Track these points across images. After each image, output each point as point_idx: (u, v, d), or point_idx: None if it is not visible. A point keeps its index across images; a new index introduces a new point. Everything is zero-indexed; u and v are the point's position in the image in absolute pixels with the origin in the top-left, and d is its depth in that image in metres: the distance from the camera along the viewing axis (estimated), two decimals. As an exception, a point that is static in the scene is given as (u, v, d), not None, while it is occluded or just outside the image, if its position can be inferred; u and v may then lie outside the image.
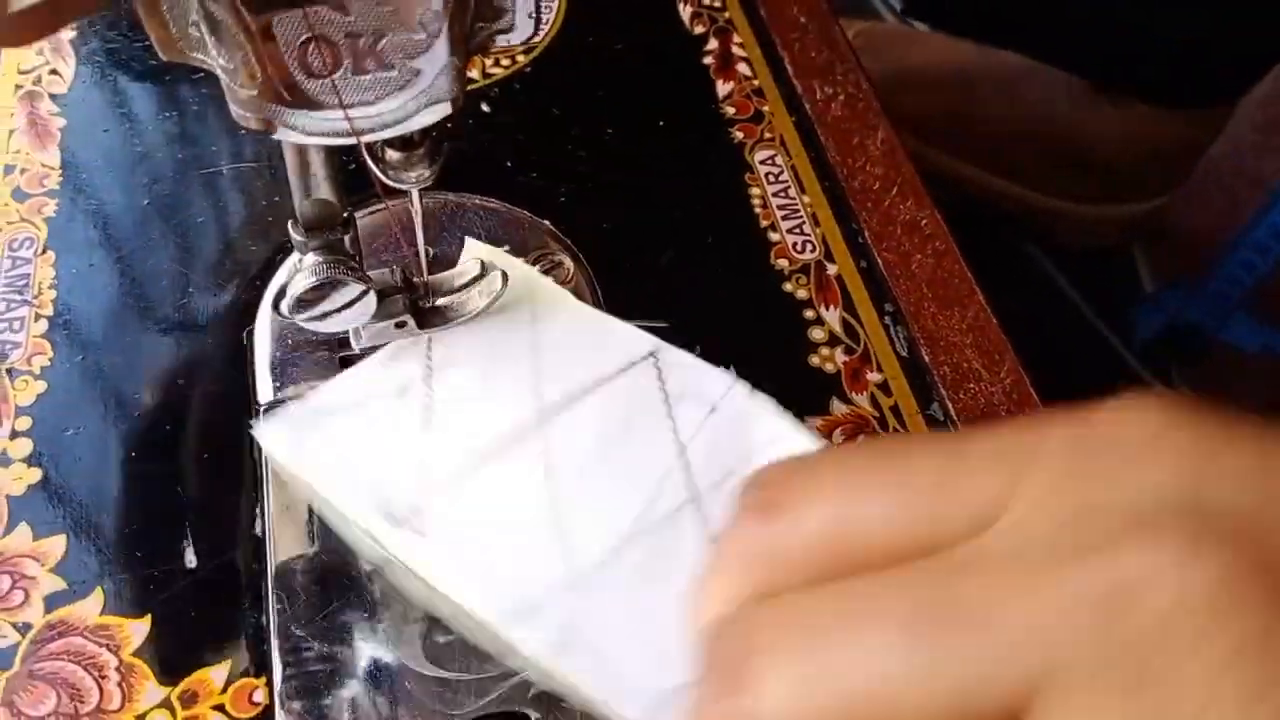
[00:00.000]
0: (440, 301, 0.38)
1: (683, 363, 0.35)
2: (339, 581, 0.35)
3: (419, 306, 0.38)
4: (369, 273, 0.35)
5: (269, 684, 0.33)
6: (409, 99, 0.27)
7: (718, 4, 0.52)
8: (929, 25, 0.86)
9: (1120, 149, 0.83)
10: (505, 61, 0.49)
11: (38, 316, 0.40)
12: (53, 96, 0.48)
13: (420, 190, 0.34)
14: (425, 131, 0.31)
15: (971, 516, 0.22)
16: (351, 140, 0.28)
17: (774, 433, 0.33)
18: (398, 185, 0.33)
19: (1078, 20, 0.77)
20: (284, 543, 0.36)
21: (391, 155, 0.32)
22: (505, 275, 0.37)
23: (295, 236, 0.34)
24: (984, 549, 0.21)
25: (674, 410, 0.34)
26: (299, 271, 0.34)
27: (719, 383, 0.34)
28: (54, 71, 0.48)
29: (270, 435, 0.34)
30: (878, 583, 0.21)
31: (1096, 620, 0.19)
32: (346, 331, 0.38)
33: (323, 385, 0.35)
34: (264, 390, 0.39)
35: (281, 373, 0.39)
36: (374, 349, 0.39)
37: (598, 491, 0.32)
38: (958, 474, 0.22)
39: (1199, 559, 0.19)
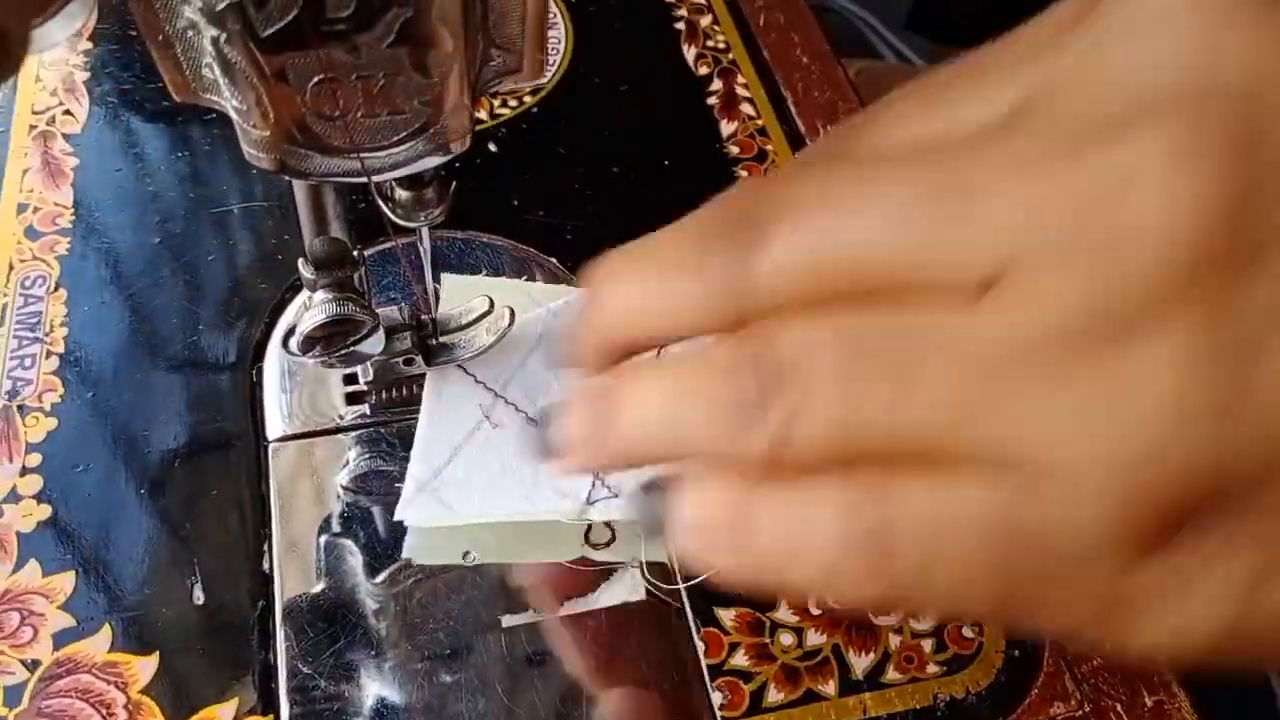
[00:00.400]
0: (447, 338, 0.38)
1: None
2: (346, 619, 0.35)
3: (426, 343, 0.38)
4: (377, 310, 0.36)
5: (276, 721, 0.33)
6: (419, 140, 0.28)
7: (722, 45, 0.53)
8: (930, 39, 0.86)
9: None
10: (513, 102, 0.50)
11: (49, 353, 0.41)
12: (66, 136, 0.48)
13: (429, 228, 0.34)
14: (435, 171, 0.31)
15: (992, 114, 0.22)
16: (362, 180, 0.28)
17: None
18: (407, 224, 0.33)
19: None
20: (291, 580, 0.36)
21: (401, 195, 0.32)
22: (512, 312, 0.37)
23: (305, 274, 0.34)
24: (994, 138, 0.21)
25: None
26: (308, 309, 0.34)
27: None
28: (67, 112, 0.49)
29: (419, 513, 0.36)
30: (889, 164, 0.22)
31: (1079, 213, 0.19)
32: (354, 368, 0.39)
33: (413, 456, 0.37)
34: (273, 427, 0.39)
35: (290, 410, 0.40)
36: (382, 384, 0.39)
37: None
38: (980, 78, 0.23)
39: (1194, 157, 0.19)
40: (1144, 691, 0.34)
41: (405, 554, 0.36)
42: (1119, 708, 0.34)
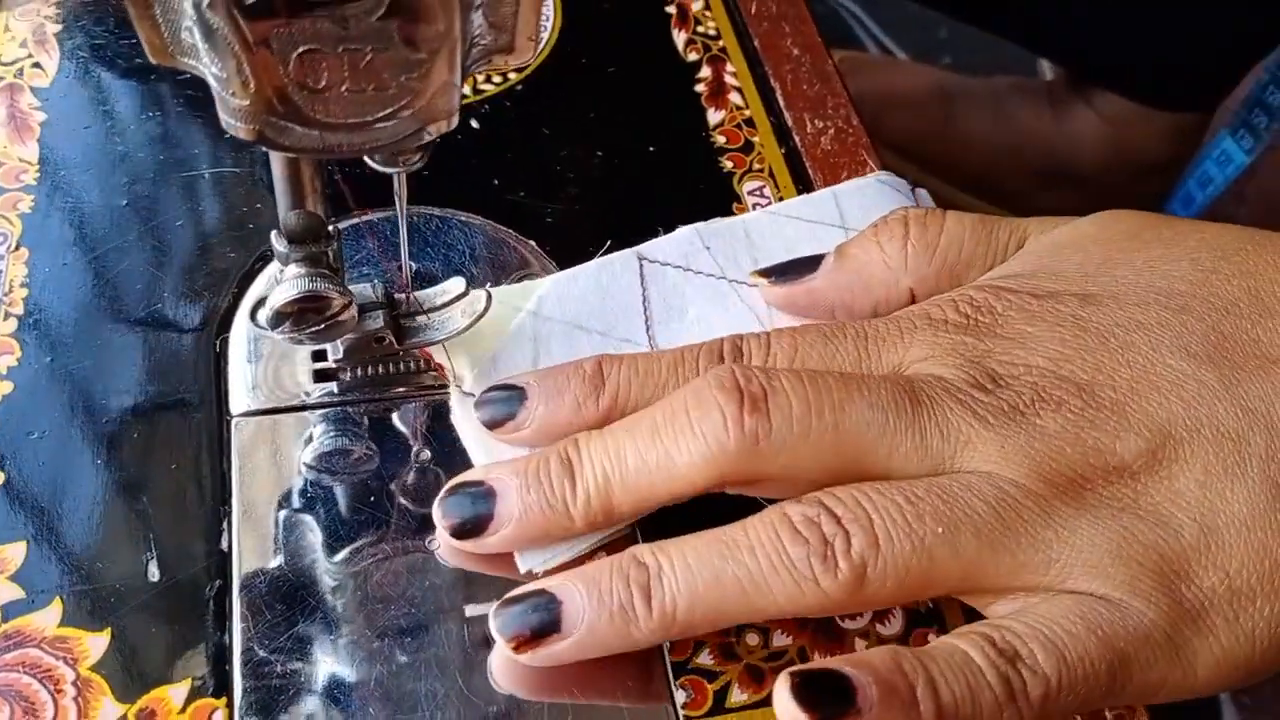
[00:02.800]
0: (421, 319, 0.38)
1: (657, 244, 0.42)
2: (304, 600, 0.34)
3: (399, 323, 0.38)
4: (350, 287, 0.35)
5: (229, 704, 0.32)
6: (403, 118, 0.27)
7: (712, 32, 0.52)
8: (915, 2, 0.86)
9: (1104, 159, 0.84)
10: (497, 79, 0.49)
11: (7, 315, 0.39)
12: (34, 90, 0.47)
13: (406, 176, 0.33)
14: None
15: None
16: (342, 156, 0.28)
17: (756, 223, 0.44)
18: (384, 170, 0.32)
19: (1062, 5, 0.78)
20: (250, 558, 0.35)
21: None
22: (489, 295, 0.37)
23: (277, 248, 0.34)
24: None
25: (694, 265, 0.42)
26: (280, 283, 0.33)
27: (690, 233, 0.43)
28: (37, 65, 0.48)
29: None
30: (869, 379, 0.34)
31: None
32: (324, 345, 0.38)
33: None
34: (237, 401, 0.38)
35: (255, 384, 0.39)
36: (352, 362, 0.39)
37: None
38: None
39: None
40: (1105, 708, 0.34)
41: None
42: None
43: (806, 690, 0.29)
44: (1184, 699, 0.32)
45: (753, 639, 0.34)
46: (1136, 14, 0.76)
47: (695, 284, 0.41)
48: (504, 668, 0.33)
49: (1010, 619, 0.31)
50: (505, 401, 0.35)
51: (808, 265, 0.40)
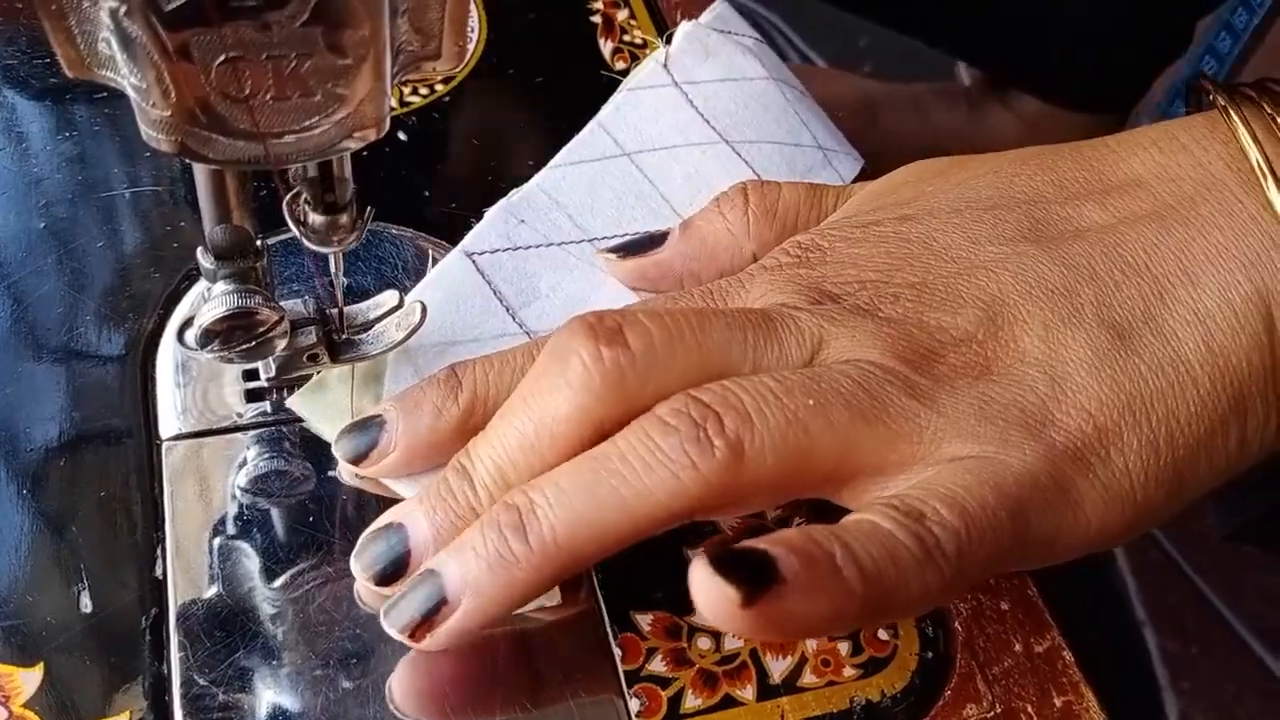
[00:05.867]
0: (354, 334, 0.37)
1: (477, 235, 0.41)
2: (244, 626, 0.33)
3: (332, 338, 0.37)
4: (280, 302, 0.34)
5: (169, 736, 0.31)
6: (330, 126, 0.27)
7: (638, 41, 0.52)
8: (836, 7, 0.86)
9: None
10: (424, 90, 0.49)
11: (-79, 345, 0.38)
12: (-58, 114, 0.45)
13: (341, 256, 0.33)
14: (349, 191, 0.30)
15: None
16: (267, 168, 0.27)
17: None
18: (320, 249, 0.32)
19: (978, 7, 0.79)
20: (185, 586, 0.34)
21: (315, 220, 0.31)
22: (424, 307, 0.36)
23: (204, 264, 0.33)
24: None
25: (519, 242, 0.42)
26: (208, 301, 0.33)
27: (500, 213, 0.42)
28: (-56, 88, 0.46)
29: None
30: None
31: None
32: (255, 363, 0.37)
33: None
34: (166, 425, 0.37)
35: (184, 406, 0.38)
36: (282, 381, 0.38)
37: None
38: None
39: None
40: (1053, 692, 0.35)
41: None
42: (1029, 709, 0.34)
43: (727, 567, 0.26)
44: (1087, 550, 0.31)
45: (704, 643, 0.34)
46: (1051, 18, 0.77)
47: (531, 259, 0.41)
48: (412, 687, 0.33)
49: (903, 490, 0.30)
50: (365, 431, 0.35)
51: (654, 240, 0.40)
